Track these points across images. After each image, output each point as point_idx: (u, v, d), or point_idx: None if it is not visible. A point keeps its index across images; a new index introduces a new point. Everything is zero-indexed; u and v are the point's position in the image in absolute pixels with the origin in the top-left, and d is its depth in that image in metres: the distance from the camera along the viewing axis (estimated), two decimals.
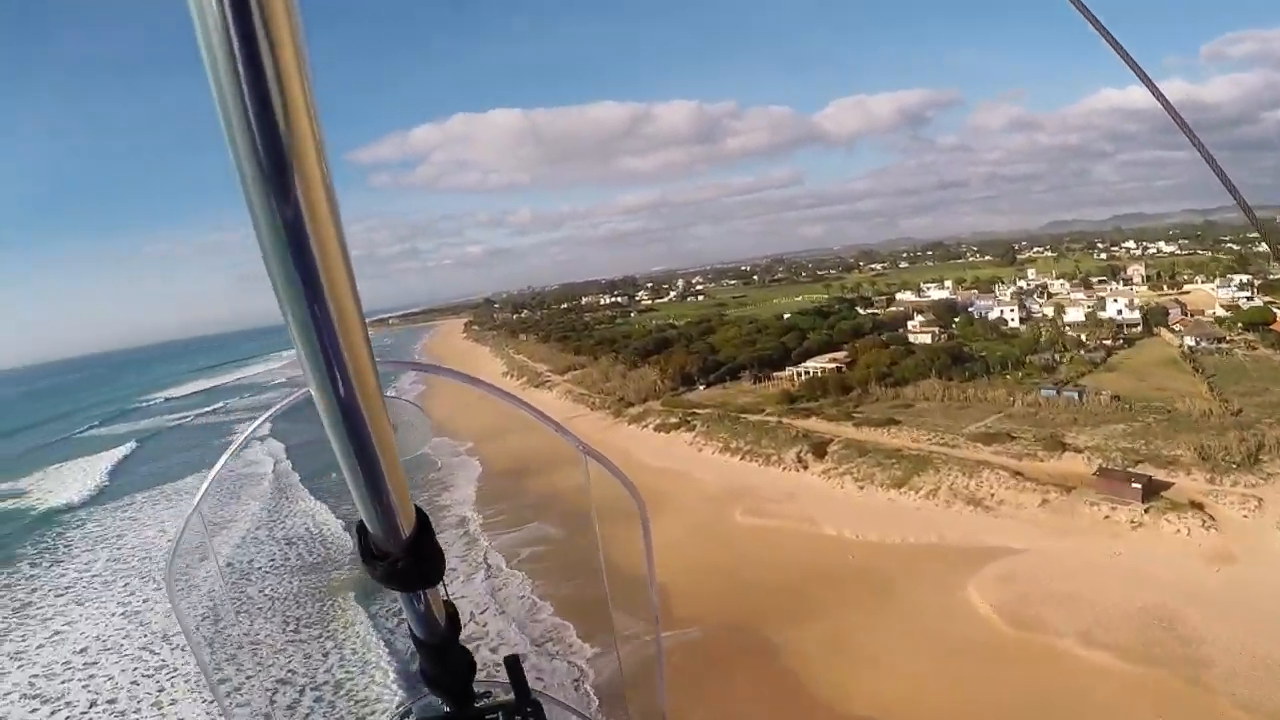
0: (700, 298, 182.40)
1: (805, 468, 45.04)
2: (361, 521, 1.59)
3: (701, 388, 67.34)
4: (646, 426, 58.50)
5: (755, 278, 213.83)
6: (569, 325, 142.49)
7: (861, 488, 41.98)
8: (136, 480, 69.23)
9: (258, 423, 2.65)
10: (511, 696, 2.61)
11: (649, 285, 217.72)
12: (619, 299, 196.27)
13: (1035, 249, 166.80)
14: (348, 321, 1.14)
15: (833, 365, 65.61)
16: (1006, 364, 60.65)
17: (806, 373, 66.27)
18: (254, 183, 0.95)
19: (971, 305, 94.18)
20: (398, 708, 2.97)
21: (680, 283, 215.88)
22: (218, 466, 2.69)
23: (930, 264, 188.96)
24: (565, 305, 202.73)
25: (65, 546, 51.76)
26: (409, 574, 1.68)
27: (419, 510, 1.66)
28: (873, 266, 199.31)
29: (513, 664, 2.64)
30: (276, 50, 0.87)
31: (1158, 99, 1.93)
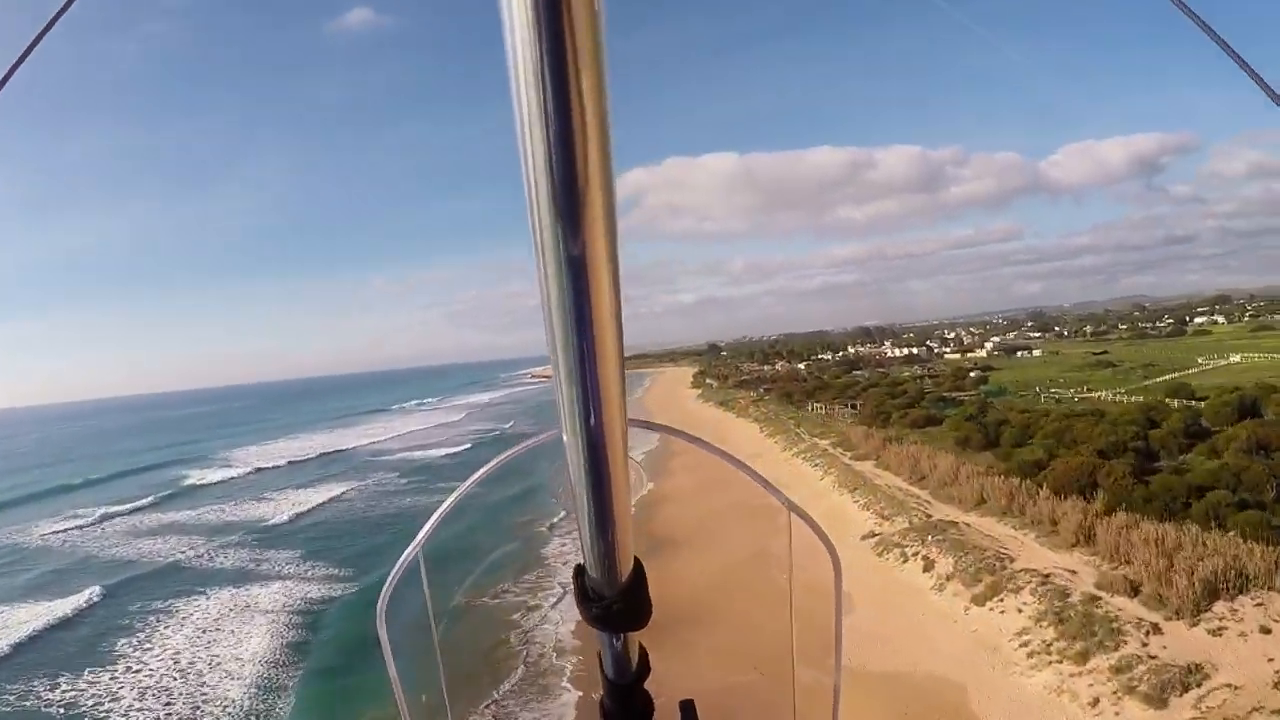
0: (1033, 353, 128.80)
1: None
2: (580, 565, 1.67)
3: None
4: None
5: (1060, 332, 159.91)
6: (892, 391, 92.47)
7: None
8: None
9: (498, 461, 2.57)
10: None
11: (937, 336, 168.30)
12: (914, 352, 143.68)
13: None
14: (609, 365, 1.13)
15: None
16: None
17: None
18: (546, 216, 0.95)
19: None
20: None
21: (960, 334, 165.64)
22: (446, 506, 2.53)
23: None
24: (829, 356, 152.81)
25: None
26: (620, 617, 1.71)
27: (636, 558, 1.68)
28: (1216, 320, 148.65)
29: (687, 708, 2.62)
30: (581, 85, 0.86)
31: None
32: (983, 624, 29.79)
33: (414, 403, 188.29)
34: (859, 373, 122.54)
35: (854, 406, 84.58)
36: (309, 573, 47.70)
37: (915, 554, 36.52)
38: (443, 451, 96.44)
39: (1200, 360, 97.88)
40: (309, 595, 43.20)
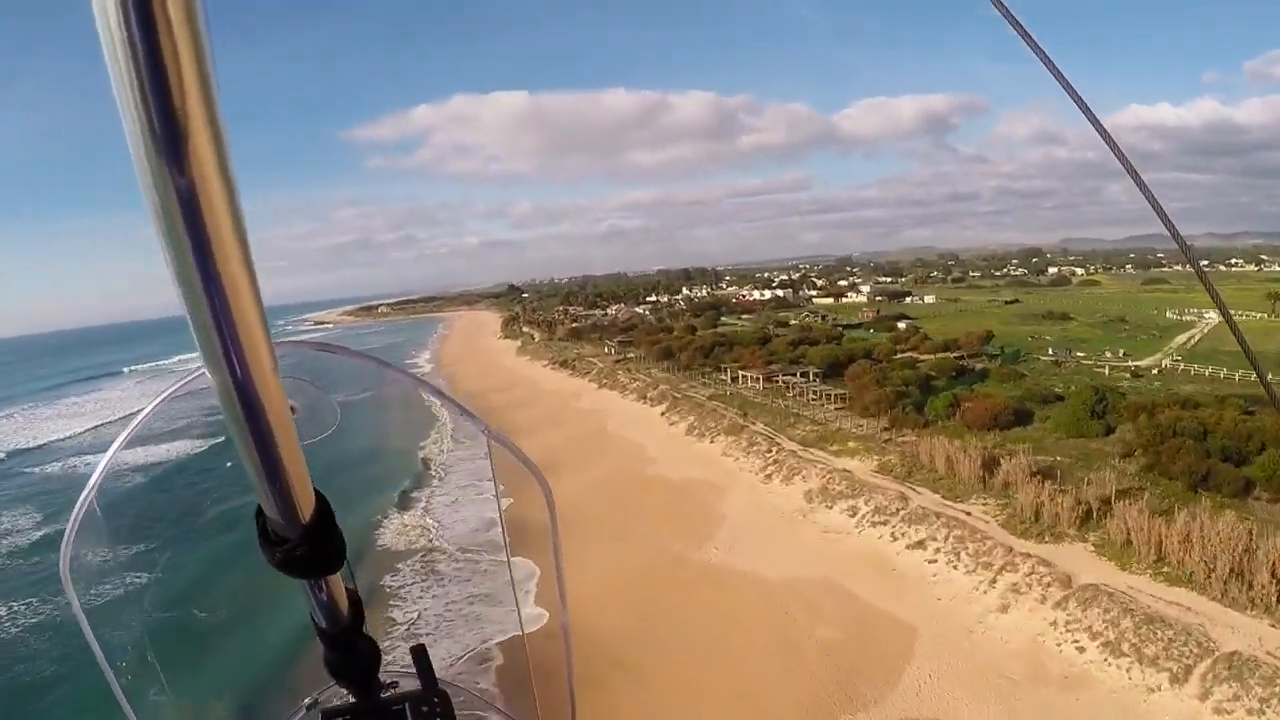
0: (925, 300, 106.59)
1: None
2: (260, 506, 1.58)
3: None
4: None
5: (905, 276, 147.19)
6: (849, 351, 63.00)
7: None
8: None
9: (155, 403, 2.32)
10: (418, 687, 2.53)
11: (761, 279, 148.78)
12: (780, 295, 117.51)
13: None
14: (242, 300, 1.10)
15: None
16: None
17: None
18: (147, 152, 0.91)
19: None
20: (305, 700, 2.83)
21: (804, 277, 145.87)
22: (110, 452, 2.35)
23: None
24: (666, 299, 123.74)
25: None
26: (307, 560, 1.64)
27: (319, 495, 1.61)
28: (1075, 272, 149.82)
29: (419, 653, 2.53)
30: (170, 11, 0.85)
31: (1092, 124, 1.91)
32: None
33: (169, 359, 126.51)
34: (729, 319, 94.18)
35: (809, 376, 55.18)
36: None
37: None
38: (183, 447, 55.94)
39: (1170, 314, 79.00)
40: None
